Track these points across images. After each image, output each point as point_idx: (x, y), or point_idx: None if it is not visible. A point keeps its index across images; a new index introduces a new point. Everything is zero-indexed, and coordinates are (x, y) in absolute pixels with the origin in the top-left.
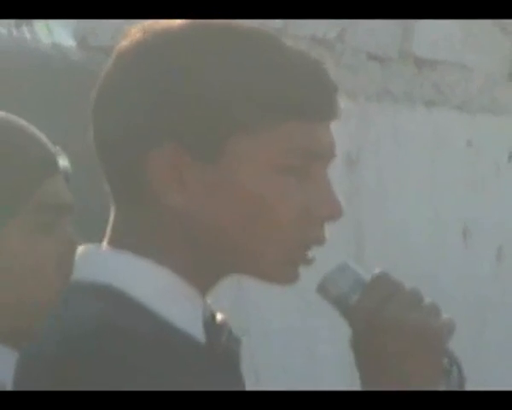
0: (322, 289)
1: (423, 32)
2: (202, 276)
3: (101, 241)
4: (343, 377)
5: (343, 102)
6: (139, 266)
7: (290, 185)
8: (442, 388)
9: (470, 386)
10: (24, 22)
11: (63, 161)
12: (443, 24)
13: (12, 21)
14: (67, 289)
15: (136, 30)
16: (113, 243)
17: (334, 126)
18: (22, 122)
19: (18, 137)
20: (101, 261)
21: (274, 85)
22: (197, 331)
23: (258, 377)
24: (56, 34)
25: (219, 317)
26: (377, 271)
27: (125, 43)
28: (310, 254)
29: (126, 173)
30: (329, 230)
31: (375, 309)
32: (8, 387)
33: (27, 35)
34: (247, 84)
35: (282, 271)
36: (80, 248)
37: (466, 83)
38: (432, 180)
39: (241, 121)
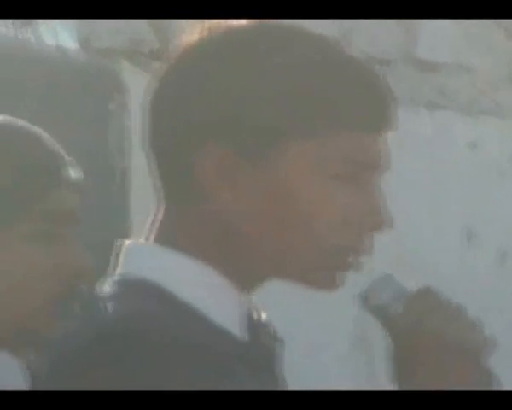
0: (365, 298)
1: (426, 35)
2: (246, 275)
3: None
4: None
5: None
6: (183, 264)
7: (338, 193)
8: None
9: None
10: (28, 24)
11: (75, 172)
12: (446, 27)
13: (16, 23)
14: (111, 281)
15: (201, 28)
16: (160, 239)
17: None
18: (35, 129)
19: (27, 144)
20: (146, 258)
21: (330, 94)
22: (238, 330)
23: None
24: (60, 36)
25: (263, 316)
26: (420, 285)
27: (189, 41)
28: (351, 260)
29: (178, 171)
30: None
31: (416, 321)
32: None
33: (31, 37)
34: (305, 90)
35: (325, 278)
36: (126, 243)
37: (469, 85)
38: (435, 183)
39: (296, 127)
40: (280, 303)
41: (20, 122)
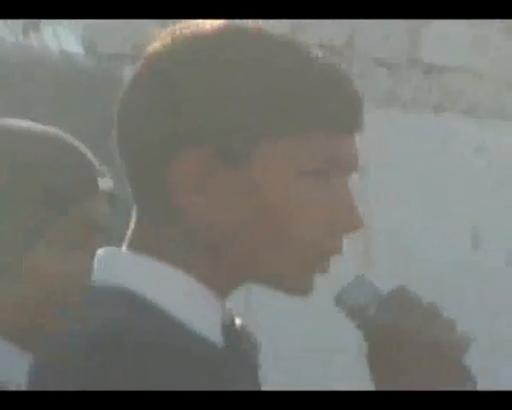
0: (340, 300)
1: (431, 38)
2: (221, 281)
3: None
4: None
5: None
6: (158, 271)
7: (312, 195)
8: None
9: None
10: (31, 29)
11: (106, 183)
12: (451, 29)
13: (19, 29)
14: (88, 290)
15: (165, 34)
16: (133, 246)
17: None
18: (71, 139)
19: (65, 153)
20: (120, 265)
21: (301, 95)
22: (215, 336)
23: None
24: (64, 41)
25: (238, 322)
26: (395, 286)
27: (154, 47)
28: (326, 264)
29: (149, 177)
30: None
31: (391, 322)
32: (23, 387)
33: (35, 42)
34: (275, 91)
35: (299, 281)
36: (100, 251)
37: (474, 88)
38: (441, 186)
39: (267, 128)
40: (287, 311)
41: (56, 131)
